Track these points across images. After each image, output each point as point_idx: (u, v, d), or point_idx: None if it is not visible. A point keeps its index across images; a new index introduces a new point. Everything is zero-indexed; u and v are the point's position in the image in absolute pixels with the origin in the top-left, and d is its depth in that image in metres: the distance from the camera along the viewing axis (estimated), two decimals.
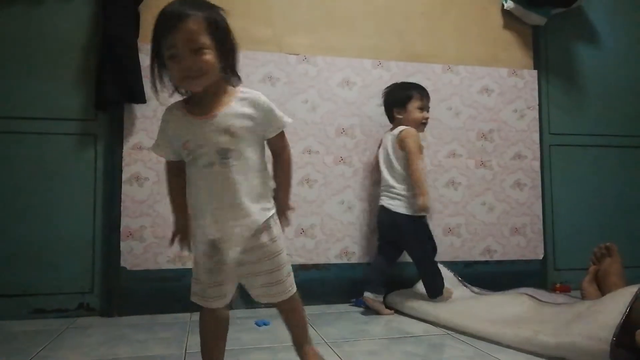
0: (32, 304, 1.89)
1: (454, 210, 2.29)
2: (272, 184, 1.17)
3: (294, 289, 1.19)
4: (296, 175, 2.12)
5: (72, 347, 1.51)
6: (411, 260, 1.97)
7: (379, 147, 2.10)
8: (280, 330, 1.68)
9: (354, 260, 2.13)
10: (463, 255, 2.28)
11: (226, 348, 1.47)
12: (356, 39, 2.25)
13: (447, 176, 2.29)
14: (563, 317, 1.47)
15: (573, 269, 2.36)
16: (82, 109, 1.98)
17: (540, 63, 2.47)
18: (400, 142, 1.94)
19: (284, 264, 1.18)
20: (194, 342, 1.54)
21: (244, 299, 2.02)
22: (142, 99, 1.94)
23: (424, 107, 2.03)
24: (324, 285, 2.11)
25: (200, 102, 1.08)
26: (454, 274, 2.12)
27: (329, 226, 2.14)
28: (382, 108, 2.13)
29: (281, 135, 1.20)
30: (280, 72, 2.14)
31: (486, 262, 2.30)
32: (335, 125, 2.18)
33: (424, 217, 1.94)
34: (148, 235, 1.96)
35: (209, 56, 1.03)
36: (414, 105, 2.00)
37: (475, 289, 2.06)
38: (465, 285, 2.08)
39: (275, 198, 1.17)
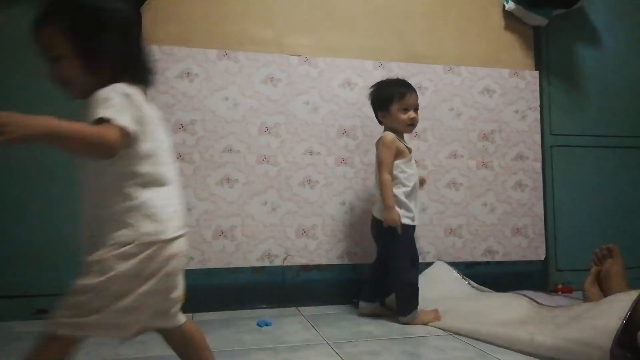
0: (35, 305, 1.89)
1: (455, 211, 2.29)
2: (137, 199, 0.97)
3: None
4: (297, 176, 2.13)
5: None
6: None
7: None
8: (282, 331, 1.68)
9: (355, 261, 2.14)
10: (464, 256, 2.28)
11: (228, 349, 1.48)
12: (357, 40, 2.26)
13: (448, 177, 2.29)
14: (560, 319, 1.47)
15: (575, 270, 2.36)
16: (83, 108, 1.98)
17: (541, 64, 2.47)
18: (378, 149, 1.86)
19: None
20: None
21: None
22: None
23: (409, 107, 1.86)
24: (326, 285, 2.11)
25: None
26: (456, 271, 2.12)
27: (330, 227, 2.14)
28: None
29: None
30: (282, 73, 2.15)
31: (487, 263, 2.30)
32: (336, 127, 2.18)
33: (407, 225, 1.81)
34: None
35: (66, 66, 0.94)
36: (395, 108, 1.85)
37: (475, 285, 2.06)
38: (467, 281, 2.07)
39: None
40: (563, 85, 2.51)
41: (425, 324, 1.74)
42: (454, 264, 2.19)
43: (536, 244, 2.37)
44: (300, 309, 2.03)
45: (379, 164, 1.83)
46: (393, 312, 1.88)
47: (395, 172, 1.83)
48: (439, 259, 2.21)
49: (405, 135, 1.96)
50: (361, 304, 1.89)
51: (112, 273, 0.90)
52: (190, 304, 1.95)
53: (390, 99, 1.86)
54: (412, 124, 1.88)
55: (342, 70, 2.21)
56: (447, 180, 2.29)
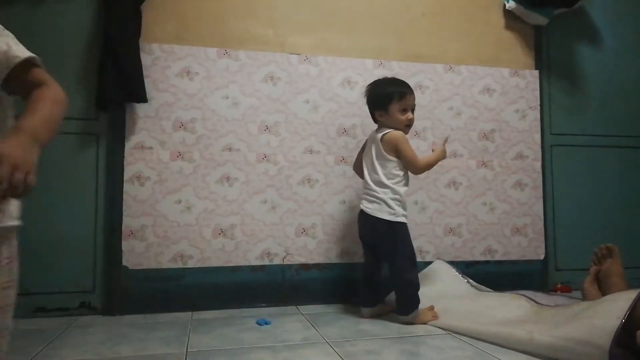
0: (34, 303, 1.89)
1: (455, 210, 2.29)
2: None
3: None
4: (297, 175, 2.13)
5: (73, 346, 1.51)
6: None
7: (362, 150, 1.99)
8: (281, 330, 1.69)
9: (355, 260, 2.14)
10: (464, 255, 2.28)
11: (228, 347, 1.49)
12: (357, 39, 2.25)
13: (448, 176, 2.29)
14: (559, 318, 1.48)
15: (574, 270, 2.36)
16: (84, 108, 1.98)
17: (542, 63, 2.47)
18: (387, 146, 1.82)
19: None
20: (195, 341, 1.55)
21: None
22: (143, 99, 1.94)
23: (407, 108, 1.85)
24: (325, 284, 2.11)
25: None
26: (455, 269, 2.12)
27: (330, 226, 2.14)
28: None
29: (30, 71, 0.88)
30: (282, 72, 2.14)
31: (487, 262, 2.31)
32: (336, 125, 2.18)
33: (404, 223, 1.81)
34: (149, 235, 1.97)
35: None
36: (394, 108, 1.83)
37: (474, 283, 2.06)
38: (466, 280, 2.07)
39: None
40: (563, 85, 2.51)
41: (425, 324, 1.74)
42: (454, 263, 2.19)
43: (536, 243, 2.37)
44: (300, 307, 2.03)
45: (410, 160, 1.81)
46: (392, 310, 1.88)
47: (398, 170, 1.82)
48: (438, 258, 2.21)
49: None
50: (363, 310, 1.88)
51: None
52: (190, 303, 1.97)
53: (390, 98, 1.84)
54: (409, 124, 1.88)
55: (342, 69, 2.21)
56: (447, 180, 2.29)
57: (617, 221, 2.51)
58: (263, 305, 2.04)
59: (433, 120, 2.29)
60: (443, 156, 1.90)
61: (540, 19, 2.41)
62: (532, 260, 2.36)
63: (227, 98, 2.08)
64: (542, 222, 2.39)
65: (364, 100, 1.95)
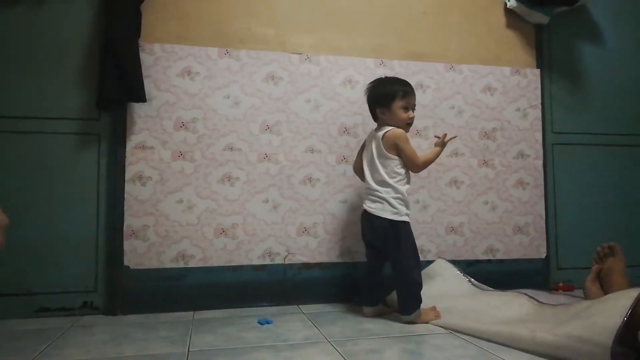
0: (36, 303, 1.90)
1: (456, 209, 2.29)
2: None
3: None
4: (299, 175, 2.13)
5: (76, 346, 1.52)
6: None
7: (361, 149, 1.98)
8: (283, 329, 1.69)
9: (356, 259, 2.14)
10: (466, 254, 2.28)
11: (230, 347, 1.49)
12: (359, 38, 2.25)
13: (449, 175, 2.29)
14: (560, 316, 1.48)
15: (576, 268, 2.36)
16: (85, 108, 1.99)
17: (543, 62, 2.47)
18: (388, 144, 1.81)
19: None
20: (197, 340, 1.55)
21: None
22: (142, 99, 1.94)
23: (409, 106, 1.85)
24: (327, 284, 2.11)
25: None
26: (457, 268, 2.12)
27: (331, 225, 2.14)
28: None
29: None
30: (283, 71, 2.14)
31: (489, 261, 2.30)
32: (337, 125, 2.18)
33: (407, 222, 1.80)
34: (151, 235, 1.97)
35: None
36: (397, 105, 1.83)
37: (476, 282, 2.06)
38: (468, 279, 2.07)
39: None
40: (565, 84, 2.51)
41: (427, 323, 1.74)
42: (455, 262, 2.19)
43: (537, 242, 2.37)
44: (301, 307, 2.03)
45: (410, 158, 1.81)
46: (394, 309, 1.88)
47: (400, 168, 1.81)
48: (439, 257, 2.21)
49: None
50: (365, 309, 1.87)
51: None
52: (192, 302, 1.98)
53: (393, 96, 1.83)
54: (411, 122, 1.88)
55: (343, 68, 2.21)
56: (449, 179, 2.29)
57: (619, 220, 2.51)
58: (265, 304, 2.04)
59: (435, 119, 2.29)
60: (441, 152, 1.91)
61: (541, 18, 2.41)
62: (534, 259, 2.36)
63: (229, 98, 2.08)
64: (544, 220, 2.39)
65: (365, 99, 1.95)
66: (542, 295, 1.86)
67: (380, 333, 1.64)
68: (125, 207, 1.96)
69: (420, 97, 2.27)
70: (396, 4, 2.31)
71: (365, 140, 1.96)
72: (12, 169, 1.92)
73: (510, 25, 2.44)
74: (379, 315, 1.87)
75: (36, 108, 1.95)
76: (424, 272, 2.07)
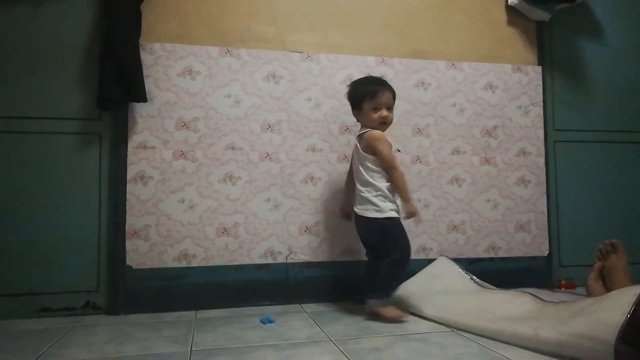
0: (39, 303, 1.90)
1: (458, 207, 2.29)
2: None
3: None
4: (300, 173, 2.13)
5: (78, 346, 1.52)
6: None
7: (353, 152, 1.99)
8: (285, 328, 1.69)
9: (358, 257, 2.13)
10: (467, 252, 2.28)
11: (232, 346, 1.49)
12: (359, 37, 2.25)
13: (451, 173, 2.29)
14: (563, 314, 1.47)
15: (578, 266, 2.36)
16: (86, 108, 1.99)
17: (544, 59, 2.46)
18: (365, 145, 1.83)
19: None
20: (200, 340, 1.56)
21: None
22: (143, 98, 1.94)
23: (379, 106, 1.83)
24: (329, 282, 2.11)
25: None
26: (459, 266, 2.11)
27: (333, 224, 2.14)
28: None
29: None
30: (284, 70, 2.14)
31: (491, 259, 2.30)
32: (338, 123, 2.18)
33: (393, 217, 1.80)
34: (153, 234, 1.97)
35: None
36: (367, 107, 1.84)
37: (478, 280, 2.05)
38: (470, 277, 2.06)
39: None
40: (566, 81, 2.50)
41: (388, 319, 1.73)
42: (457, 260, 2.18)
43: (539, 239, 2.37)
44: (304, 305, 2.03)
45: (385, 159, 1.81)
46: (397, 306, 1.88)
47: (378, 166, 1.82)
48: (441, 255, 2.21)
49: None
50: (372, 301, 1.84)
51: None
52: (194, 301, 1.98)
53: (362, 98, 1.86)
54: (384, 122, 1.85)
55: (344, 67, 2.21)
56: (450, 177, 2.29)
57: (621, 217, 2.50)
58: (267, 303, 2.05)
59: (436, 117, 2.29)
60: (407, 204, 1.78)
61: (542, 15, 2.40)
62: (536, 257, 2.35)
63: (229, 97, 2.08)
64: (546, 218, 2.39)
65: None
66: (544, 294, 1.85)
67: (383, 331, 1.63)
68: (127, 207, 1.96)
69: (421, 95, 2.27)
70: (397, 1, 2.30)
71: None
72: (14, 169, 1.92)
73: (511, 22, 2.44)
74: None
75: (37, 108, 1.96)
76: (425, 270, 2.08)
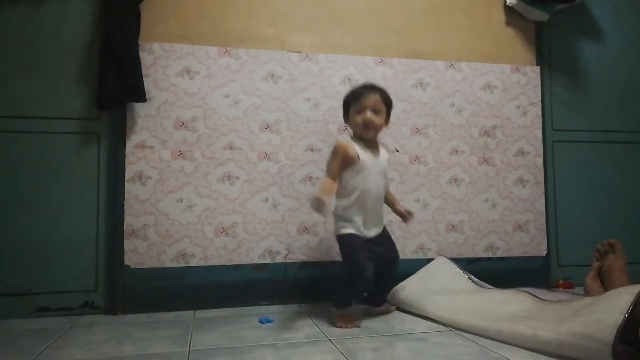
0: (37, 303, 1.90)
1: (456, 207, 2.29)
2: None
3: None
4: (299, 173, 2.13)
5: (76, 345, 1.52)
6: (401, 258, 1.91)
7: None
8: (284, 328, 1.69)
9: None
10: (466, 252, 2.28)
11: (231, 345, 1.49)
12: (358, 37, 2.25)
13: (449, 173, 2.29)
14: (561, 313, 1.47)
15: (576, 266, 2.36)
16: (85, 108, 1.98)
17: (543, 59, 2.46)
18: None
19: None
20: (198, 339, 1.55)
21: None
22: (142, 98, 1.94)
23: (362, 109, 1.74)
24: (327, 282, 2.11)
25: None
26: (457, 266, 2.11)
27: (332, 224, 2.14)
28: None
29: None
30: (283, 70, 2.14)
31: (489, 258, 2.30)
32: (337, 123, 2.18)
33: (343, 235, 1.74)
34: (151, 234, 1.97)
35: None
36: (353, 112, 1.77)
37: (476, 280, 2.05)
38: (468, 276, 2.06)
39: None
40: (565, 81, 2.51)
41: (340, 326, 1.68)
42: (456, 260, 2.18)
43: (538, 239, 2.37)
44: (302, 305, 2.03)
45: (326, 169, 1.78)
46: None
47: (340, 181, 1.75)
48: (440, 255, 2.21)
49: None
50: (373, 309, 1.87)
51: None
52: (192, 301, 1.98)
53: (347, 104, 1.81)
54: (367, 125, 1.74)
55: (343, 67, 2.21)
56: (449, 177, 2.29)
57: (619, 217, 2.50)
58: (265, 303, 2.04)
59: (435, 117, 2.29)
60: (317, 192, 1.65)
61: (541, 15, 2.40)
62: (534, 257, 2.36)
63: (228, 97, 2.08)
64: (544, 218, 2.39)
65: None
66: (542, 293, 1.86)
67: (381, 331, 1.64)
68: (125, 207, 1.96)
69: (420, 95, 2.28)
70: (396, 2, 2.30)
71: None
72: (12, 169, 1.92)
73: (510, 22, 2.44)
74: (380, 314, 1.87)
75: (35, 108, 1.95)
76: (424, 270, 2.08)
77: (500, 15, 2.43)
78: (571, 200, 2.46)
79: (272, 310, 1.96)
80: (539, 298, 1.71)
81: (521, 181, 2.37)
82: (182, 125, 2.03)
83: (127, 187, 1.97)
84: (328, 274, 2.11)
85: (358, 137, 1.79)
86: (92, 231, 1.96)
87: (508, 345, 1.46)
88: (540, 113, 2.42)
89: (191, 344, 1.51)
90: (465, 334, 1.59)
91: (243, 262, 2.05)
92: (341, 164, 1.72)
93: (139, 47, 1.97)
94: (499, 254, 2.32)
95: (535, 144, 2.40)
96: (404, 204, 2.04)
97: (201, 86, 2.06)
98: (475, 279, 2.05)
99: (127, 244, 1.95)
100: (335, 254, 2.12)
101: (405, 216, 1.91)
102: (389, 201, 1.92)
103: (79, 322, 1.82)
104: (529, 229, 2.36)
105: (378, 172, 1.78)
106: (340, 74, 2.20)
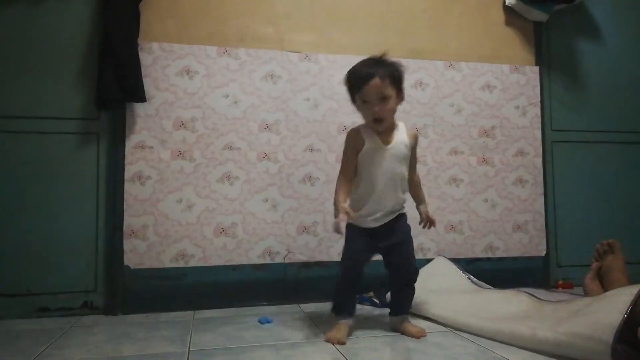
0: (36, 303, 1.90)
1: (456, 207, 2.29)
2: None
3: None
4: (298, 173, 2.13)
5: (76, 346, 1.52)
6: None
7: None
8: (283, 328, 1.69)
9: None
10: (465, 252, 2.28)
11: (230, 346, 1.49)
12: (358, 37, 2.25)
13: (449, 173, 2.29)
14: (561, 313, 1.48)
15: (575, 266, 2.36)
16: (84, 107, 1.98)
17: (542, 59, 2.47)
18: None
19: None
20: (197, 339, 1.55)
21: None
22: (142, 98, 1.94)
23: (367, 100, 1.54)
24: (327, 282, 2.10)
25: None
26: (457, 266, 2.11)
27: (331, 224, 2.14)
28: None
29: None
30: (282, 70, 2.14)
31: (488, 259, 2.31)
32: (337, 123, 2.18)
33: (356, 225, 1.62)
34: (151, 234, 1.97)
35: None
36: (359, 101, 1.58)
37: (475, 280, 2.05)
38: (467, 276, 2.06)
39: None
40: (564, 81, 2.51)
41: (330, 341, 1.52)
42: (455, 260, 2.18)
43: (537, 239, 2.37)
44: (302, 306, 2.03)
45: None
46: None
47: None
48: (439, 255, 2.21)
49: (411, 130, 1.79)
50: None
51: None
52: (192, 302, 1.98)
53: (352, 90, 1.59)
54: (376, 120, 1.55)
55: (342, 67, 2.19)
56: (448, 177, 2.29)
57: (618, 217, 2.51)
58: (265, 303, 2.05)
59: (434, 118, 2.29)
60: (336, 212, 1.53)
61: (540, 15, 2.41)
62: (534, 257, 2.36)
63: (228, 97, 2.08)
64: (543, 218, 2.39)
65: None
66: (541, 293, 1.86)
67: (380, 332, 1.63)
68: (124, 207, 1.96)
69: (419, 95, 2.28)
70: (395, 2, 2.31)
71: None
72: (11, 169, 1.92)
73: (509, 22, 2.44)
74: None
75: (35, 107, 1.95)
76: (423, 270, 2.06)
77: (499, 15, 2.43)
78: (570, 200, 2.46)
79: (271, 310, 1.96)
80: (538, 298, 1.72)
81: (520, 181, 2.37)
82: (182, 125, 2.03)
83: (127, 187, 1.97)
84: (327, 274, 2.11)
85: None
86: (91, 231, 1.96)
87: (507, 346, 1.46)
88: (539, 113, 2.42)
89: (191, 344, 1.51)
90: (465, 334, 1.59)
91: (242, 263, 2.05)
92: (353, 153, 1.61)
93: (139, 47, 1.97)
94: (498, 254, 2.32)
95: (535, 144, 2.40)
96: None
97: (200, 86, 2.06)
98: (475, 279, 2.05)
99: (127, 244, 1.95)
100: (335, 254, 2.13)
101: (424, 220, 1.72)
102: (414, 195, 1.74)
103: (78, 322, 1.82)
104: (528, 229, 2.36)
105: (389, 158, 1.58)
106: (339, 74, 2.18)
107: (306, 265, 2.11)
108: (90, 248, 1.96)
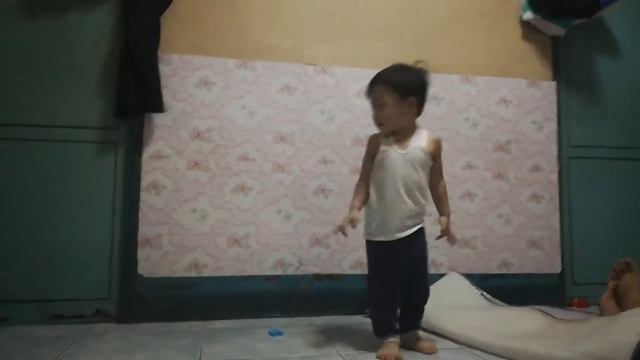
0: (51, 310, 1.92)
1: (470, 222, 2.27)
2: None
3: None
4: (312, 185, 2.13)
5: (88, 353, 1.53)
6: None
7: None
8: (294, 341, 1.68)
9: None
10: (479, 268, 2.26)
11: (241, 357, 1.49)
12: (374, 50, 2.26)
13: (463, 188, 2.28)
14: (576, 332, 1.45)
15: (592, 284, 2.32)
16: (103, 117, 2.01)
17: (559, 74, 2.45)
18: None
19: None
20: (209, 350, 1.56)
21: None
22: (160, 109, 1.97)
23: (372, 106, 1.66)
24: (339, 295, 2.11)
25: None
26: (470, 282, 2.09)
27: (343, 236, 2.13)
28: None
29: None
30: (299, 82, 2.16)
31: (502, 275, 2.28)
32: (351, 136, 2.18)
33: (368, 241, 1.63)
34: (165, 243, 1.99)
35: None
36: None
37: (488, 296, 2.03)
38: (480, 292, 2.04)
39: None
40: (581, 97, 2.49)
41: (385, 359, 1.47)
42: (468, 276, 2.16)
43: (552, 256, 2.34)
44: (313, 318, 2.03)
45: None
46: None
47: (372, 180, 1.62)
48: (452, 270, 2.19)
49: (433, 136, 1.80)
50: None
51: None
52: (204, 311, 1.98)
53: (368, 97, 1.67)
54: (377, 125, 1.64)
55: (358, 80, 2.21)
56: (462, 191, 2.28)
57: (635, 235, 2.46)
58: (276, 315, 2.04)
59: (449, 131, 2.28)
60: (348, 220, 1.57)
61: (558, 30, 2.39)
62: (549, 274, 2.33)
63: (244, 108, 2.10)
64: (559, 235, 2.36)
65: None
66: (556, 312, 1.83)
67: None
68: (140, 216, 1.98)
69: (434, 109, 2.27)
70: (411, 16, 2.31)
71: None
72: (30, 177, 1.95)
73: (526, 37, 2.43)
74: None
75: (55, 116, 1.99)
76: (435, 285, 2.04)
77: (516, 30, 2.43)
78: (587, 217, 2.43)
79: (283, 322, 1.96)
80: (553, 317, 1.69)
81: (535, 197, 2.35)
82: (198, 135, 2.05)
83: (142, 196, 1.99)
84: (339, 287, 2.11)
85: None
86: (106, 239, 1.98)
87: None
88: (555, 129, 2.40)
89: (202, 355, 1.51)
90: (478, 352, 1.57)
91: (255, 273, 2.05)
92: (370, 157, 1.64)
93: (158, 59, 2.00)
94: (513, 271, 2.29)
95: (551, 160, 2.38)
96: None
97: (218, 97, 2.08)
98: (488, 296, 2.03)
99: (141, 253, 1.97)
100: (347, 267, 2.12)
101: (443, 233, 1.68)
102: (435, 204, 1.71)
103: (91, 330, 1.83)
104: (543, 245, 2.33)
105: (404, 163, 1.57)
106: (355, 86, 2.21)
107: (318, 277, 2.11)
108: (105, 256, 1.98)
